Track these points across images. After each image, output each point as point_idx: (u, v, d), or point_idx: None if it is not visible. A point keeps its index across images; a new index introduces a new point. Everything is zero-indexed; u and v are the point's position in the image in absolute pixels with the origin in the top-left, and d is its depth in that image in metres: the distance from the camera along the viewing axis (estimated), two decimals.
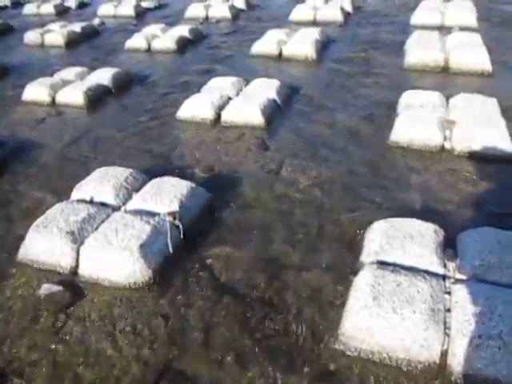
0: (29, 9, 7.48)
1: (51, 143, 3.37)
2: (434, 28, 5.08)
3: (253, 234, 2.33)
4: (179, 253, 2.20)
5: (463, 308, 1.66)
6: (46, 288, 2.03)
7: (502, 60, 4.23)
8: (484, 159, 2.77)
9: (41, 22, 6.67)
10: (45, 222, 2.25)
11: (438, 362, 1.61)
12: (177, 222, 2.25)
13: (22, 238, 2.28)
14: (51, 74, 4.42)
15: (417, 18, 5.42)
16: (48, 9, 7.35)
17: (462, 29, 4.91)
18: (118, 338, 1.82)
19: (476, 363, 1.55)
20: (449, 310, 1.69)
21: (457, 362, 1.58)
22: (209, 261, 2.17)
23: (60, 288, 2.02)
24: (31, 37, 5.85)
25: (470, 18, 5.22)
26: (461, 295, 1.71)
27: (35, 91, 4.09)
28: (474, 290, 1.72)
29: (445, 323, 1.65)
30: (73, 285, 2.07)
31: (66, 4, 7.61)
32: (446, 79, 4.00)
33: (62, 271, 2.14)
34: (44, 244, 2.18)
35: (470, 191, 2.53)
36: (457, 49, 4.23)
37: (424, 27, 5.14)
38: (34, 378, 1.69)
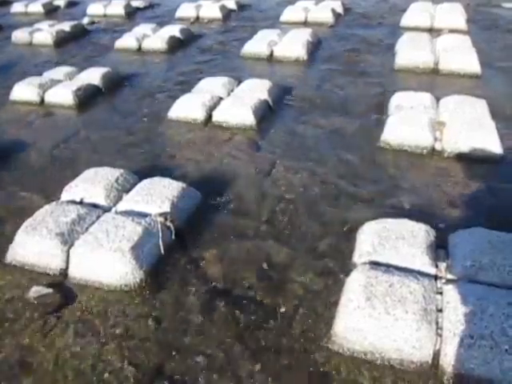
0: (17, 7, 7.38)
1: (40, 143, 3.33)
2: (423, 30, 5.12)
3: (245, 234, 2.32)
4: (171, 254, 2.19)
5: (455, 308, 1.67)
6: (36, 290, 2.00)
7: (490, 62, 4.27)
8: (474, 160, 2.80)
9: (29, 20, 6.59)
10: (34, 223, 2.22)
11: (430, 362, 1.62)
12: (168, 223, 2.24)
13: (10, 239, 2.24)
14: (40, 74, 4.37)
15: (407, 20, 5.46)
16: (36, 7, 7.25)
17: (452, 31, 4.95)
18: (109, 341, 1.80)
19: (468, 363, 1.56)
20: (441, 311, 1.70)
21: (449, 362, 1.58)
22: (201, 262, 2.16)
23: (50, 290, 1.99)
24: (19, 35, 5.77)
25: (460, 20, 5.26)
26: (452, 295, 1.72)
27: (24, 91, 4.03)
28: (466, 290, 1.74)
29: (437, 323, 1.66)
30: (63, 287, 2.04)
31: (55, 3, 7.52)
32: (435, 81, 4.03)
33: (51, 273, 2.11)
34: (33, 246, 2.15)
35: (461, 192, 2.55)
36: (446, 51, 4.27)
37: (414, 29, 5.18)
38: (22, 382, 1.66)
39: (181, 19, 6.31)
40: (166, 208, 2.30)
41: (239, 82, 3.95)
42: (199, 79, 4.04)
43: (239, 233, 2.33)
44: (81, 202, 2.43)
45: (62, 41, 5.65)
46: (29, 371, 1.70)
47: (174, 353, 1.74)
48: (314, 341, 1.75)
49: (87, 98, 3.98)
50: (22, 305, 1.97)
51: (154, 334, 1.82)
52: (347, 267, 2.02)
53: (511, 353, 1.53)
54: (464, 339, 1.58)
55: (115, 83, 4.28)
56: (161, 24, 5.85)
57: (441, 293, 1.77)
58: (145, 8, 7.15)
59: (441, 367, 1.60)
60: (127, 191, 2.50)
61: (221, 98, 3.65)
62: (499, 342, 1.55)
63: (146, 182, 2.53)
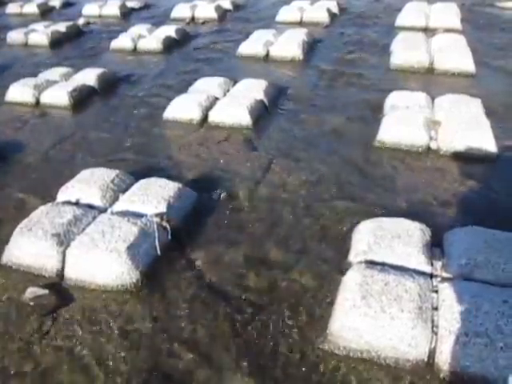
0: (12, 8, 7.36)
1: (36, 144, 3.32)
2: (418, 30, 5.14)
3: (241, 234, 2.32)
4: (167, 254, 2.18)
5: (450, 306, 1.68)
6: (32, 292, 1.99)
7: (485, 61, 4.29)
8: (469, 159, 2.81)
9: (24, 21, 6.57)
10: (29, 224, 2.22)
11: (426, 360, 1.63)
12: (164, 223, 2.24)
13: (6, 240, 2.24)
14: (35, 75, 4.35)
15: (402, 19, 5.47)
16: (31, 8, 7.23)
17: (447, 30, 4.97)
18: (105, 342, 1.79)
19: (463, 361, 1.57)
20: (436, 309, 1.71)
21: (444, 360, 1.59)
22: (197, 262, 2.16)
23: (46, 291, 1.99)
24: (14, 36, 5.75)
25: (455, 20, 5.28)
26: (448, 293, 1.73)
27: (19, 92, 4.02)
28: (461, 288, 1.74)
29: (432, 321, 1.67)
30: (59, 288, 2.04)
31: (50, 3, 7.50)
32: (430, 80, 4.04)
33: (47, 274, 2.11)
34: (29, 247, 2.14)
35: (456, 190, 2.56)
36: (441, 50, 4.29)
37: (409, 29, 5.20)
38: None
39: (176, 19, 6.31)
40: (163, 208, 2.30)
41: (235, 82, 3.95)
42: (195, 79, 4.04)
43: (235, 233, 2.33)
44: (77, 203, 2.43)
45: (57, 41, 5.63)
46: (25, 373, 1.70)
47: (170, 353, 1.74)
48: (310, 340, 1.76)
49: (83, 98, 3.97)
50: (18, 306, 1.97)
51: (150, 334, 1.82)
52: (343, 266, 2.02)
53: (506, 350, 1.54)
54: (459, 337, 1.58)
55: (111, 84, 4.28)
56: (156, 24, 5.85)
57: (436, 291, 1.78)
58: (140, 8, 7.14)
59: (436, 365, 1.61)
60: (123, 192, 2.50)
61: (217, 98, 3.65)
62: (494, 339, 1.56)
63: (142, 183, 2.53)
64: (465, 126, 2.95)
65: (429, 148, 2.93)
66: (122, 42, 5.31)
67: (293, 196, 2.59)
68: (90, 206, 2.40)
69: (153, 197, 2.37)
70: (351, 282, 1.82)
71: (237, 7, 6.76)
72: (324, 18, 5.80)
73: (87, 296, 2.00)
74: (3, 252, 2.22)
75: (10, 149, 3.25)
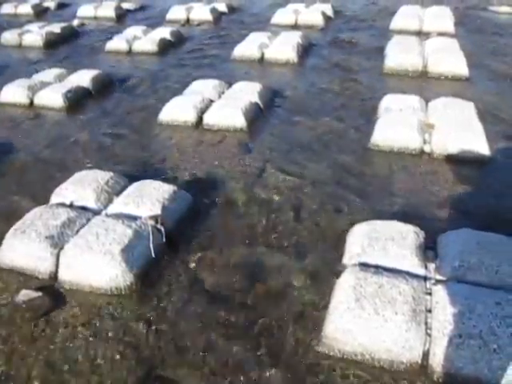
0: (6, 8, 7.33)
1: (29, 146, 3.31)
2: (413, 33, 5.18)
3: (236, 237, 2.32)
4: (162, 257, 2.18)
5: (444, 308, 1.69)
6: (25, 294, 1.98)
7: (478, 65, 4.32)
8: (462, 161, 2.83)
9: (19, 22, 6.55)
10: (23, 226, 2.21)
11: (419, 362, 1.63)
12: (159, 226, 2.23)
13: None
14: (29, 76, 4.34)
15: (396, 23, 5.51)
16: (26, 9, 7.21)
17: (440, 34, 5.01)
18: (99, 345, 1.79)
19: (457, 362, 1.57)
20: (430, 311, 1.71)
21: (438, 362, 1.60)
22: (192, 265, 2.16)
23: (39, 294, 1.98)
24: (8, 37, 5.73)
25: (448, 23, 5.33)
26: (441, 296, 1.74)
27: (13, 93, 4.00)
28: (454, 290, 1.75)
29: (426, 324, 1.67)
30: (52, 290, 2.03)
31: (45, 4, 7.48)
32: (424, 83, 4.07)
33: (41, 276, 2.10)
34: (22, 249, 2.13)
35: (449, 193, 2.58)
36: (435, 54, 4.32)
37: (403, 32, 5.23)
38: None
39: (171, 21, 6.31)
40: (157, 210, 2.30)
41: (230, 84, 3.96)
42: (190, 82, 4.04)
43: (230, 236, 2.33)
44: (71, 205, 2.42)
45: (51, 42, 5.62)
46: (18, 376, 1.68)
47: (164, 355, 1.74)
48: (304, 342, 1.76)
49: (77, 100, 3.96)
50: (11, 308, 1.95)
51: (144, 337, 1.81)
52: (337, 269, 2.03)
53: (499, 352, 1.55)
54: (453, 339, 1.59)
55: (105, 85, 4.27)
56: (151, 26, 5.85)
57: (430, 293, 1.79)
58: (135, 10, 7.13)
59: (430, 367, 1.62)
60: (117, 194, 2.49)
61: (211, 101, 3.65)
62: (487, 341, 1.57)
63: (136, 185, 2.52)
64: (458, 129, 2.97)
65: (422, 151, 2.95)
66: (117, 43, 5.31)
67: (287, 199, 2.59)
68: (84, 208, 2.39)
69: (147, 199, 2.36)
70: (345, 285, 1.82)
71: (232, 9, 6.78)
72: (319, 20, 5.83)
73: (81, 298, 1.99)
74: None
75: (3, 150, 3.23)
